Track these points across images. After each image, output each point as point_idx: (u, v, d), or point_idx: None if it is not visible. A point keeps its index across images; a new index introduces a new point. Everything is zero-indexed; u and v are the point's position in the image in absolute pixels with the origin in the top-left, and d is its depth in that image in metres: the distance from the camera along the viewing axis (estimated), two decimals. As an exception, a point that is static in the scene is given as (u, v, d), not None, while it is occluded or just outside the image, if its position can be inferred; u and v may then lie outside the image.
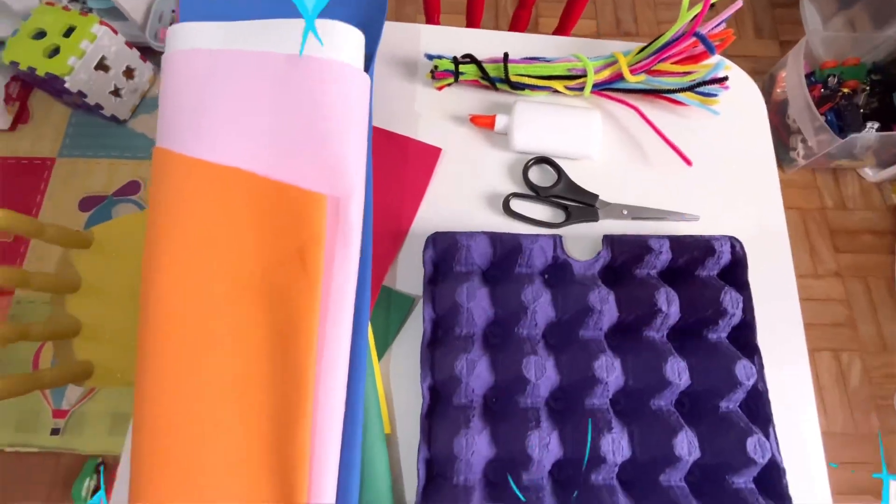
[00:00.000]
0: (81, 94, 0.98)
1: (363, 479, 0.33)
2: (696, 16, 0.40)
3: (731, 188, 0.45)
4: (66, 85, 0.95)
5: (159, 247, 0.33)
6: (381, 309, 0.39)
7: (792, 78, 1.06)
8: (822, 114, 1.01)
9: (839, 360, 1.01)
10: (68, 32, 0.96)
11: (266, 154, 0.34)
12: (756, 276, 0.39)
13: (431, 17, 0.70)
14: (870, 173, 1.13)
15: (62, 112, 1.12)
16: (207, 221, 0.33)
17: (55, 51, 0.95)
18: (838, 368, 1.01)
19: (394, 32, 0.47)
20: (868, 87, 1.06)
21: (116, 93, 1.06)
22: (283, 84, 0.35)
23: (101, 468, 0.88)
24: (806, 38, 1.06)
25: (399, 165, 0.44)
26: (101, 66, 1.01)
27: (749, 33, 1.28)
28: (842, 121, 1.04)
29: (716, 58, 0.43)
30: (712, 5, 0.40)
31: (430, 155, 0.44)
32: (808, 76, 1.09)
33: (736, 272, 0.39)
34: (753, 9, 1.30)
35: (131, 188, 1.06)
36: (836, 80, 1.06)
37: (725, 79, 0.43)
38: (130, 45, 1.06)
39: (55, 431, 0.89)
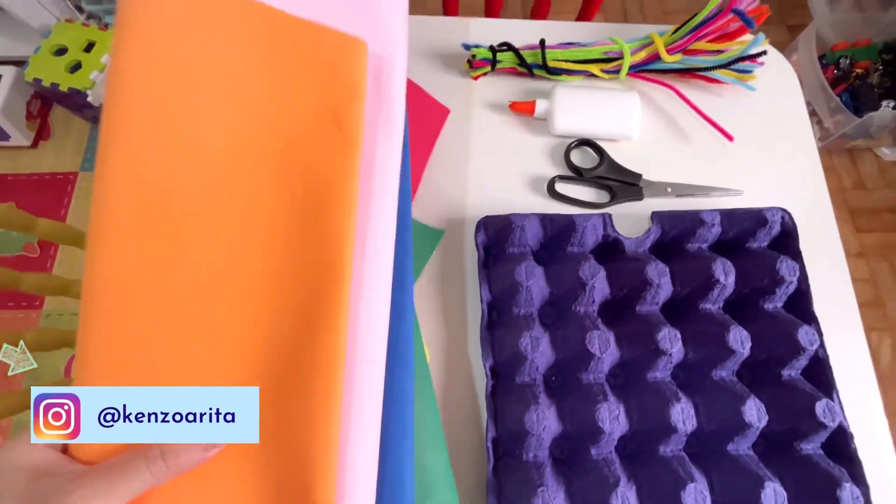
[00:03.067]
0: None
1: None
2: (731, -8, 0.41)
3: (771, 162, 0.45)
4: (89, 99, 0.96)
5: (127, 97, 0.23)
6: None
7: (804, 61, 1.07)
8: (836, 95, 1.01)
9: (869, 340, 1.00)
10: (89, 48, 0.97)
11: None
12: (802, 248, 0.39)
13: (448, 9, 0.71)
14: (887, 152, 1.13)
15: (82, 127, 1.14)
16: (201, 64, 0.25)
17: (76, 66, 0.97)
18: (868, 348, 1.00)
19: (424, 27, 0.48)
20: (881, 67, 1.06)
21: (135, 105, 1.07)
22: None
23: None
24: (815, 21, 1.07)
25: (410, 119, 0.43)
26: (121, 79, 1.02)
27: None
28: (857, 101, 1.05)
29: (748, 36, 0.44)
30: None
31: (439, 114, 0.44)
32: (818, 59, 1.09)
33: (787, 242, 0.39)
34: (759, -5, 1.31)
35: (153, 199, 1.07)
36: (847, 61, 1.07)
37: (764, 53, 0.43)
38: (148, 58, 1.07)
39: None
